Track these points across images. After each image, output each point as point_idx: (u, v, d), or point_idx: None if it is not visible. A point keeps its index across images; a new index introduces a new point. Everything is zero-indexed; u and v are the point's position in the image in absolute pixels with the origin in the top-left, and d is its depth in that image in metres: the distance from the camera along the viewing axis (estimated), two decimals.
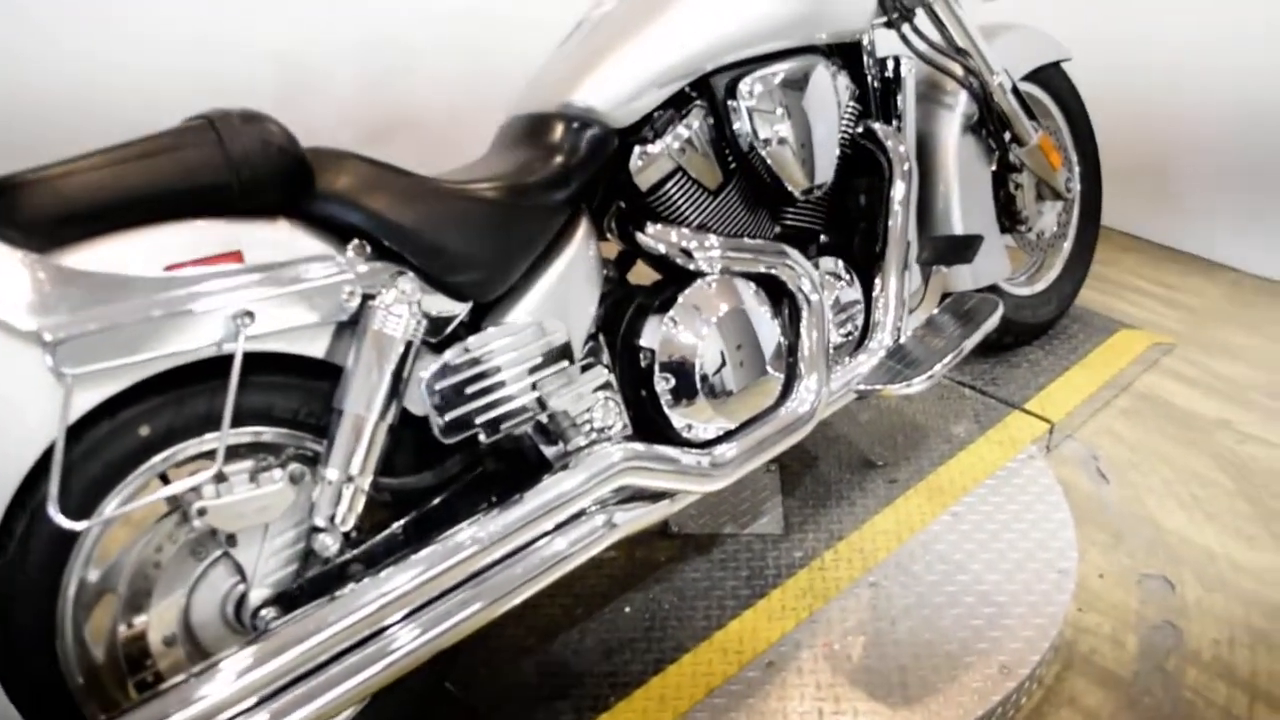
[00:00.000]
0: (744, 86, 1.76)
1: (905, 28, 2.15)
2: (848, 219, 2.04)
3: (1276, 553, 2.09)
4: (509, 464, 1.63)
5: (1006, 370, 2.57)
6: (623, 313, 1.77)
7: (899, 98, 2.07)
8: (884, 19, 2.13)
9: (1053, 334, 2.72)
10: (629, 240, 1.78)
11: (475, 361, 1.52)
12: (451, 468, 1.58)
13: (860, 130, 2.02)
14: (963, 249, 2.03)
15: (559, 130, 1.67)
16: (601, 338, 1.73)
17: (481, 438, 1.53)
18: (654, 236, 1.75)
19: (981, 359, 2.60)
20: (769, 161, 1.79)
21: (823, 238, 2.04)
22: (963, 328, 2.04)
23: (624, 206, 1.78)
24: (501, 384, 1.54)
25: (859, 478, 2.22)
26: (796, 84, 1.82)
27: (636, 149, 1.72)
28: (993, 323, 2.08)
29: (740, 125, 1.76)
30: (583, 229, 1.67)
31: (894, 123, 2.07)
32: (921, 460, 2.26)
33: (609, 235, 1.82)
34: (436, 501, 1.58)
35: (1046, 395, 2.48)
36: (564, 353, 1.61)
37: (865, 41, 2.04)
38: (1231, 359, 2.72)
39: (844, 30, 1.92)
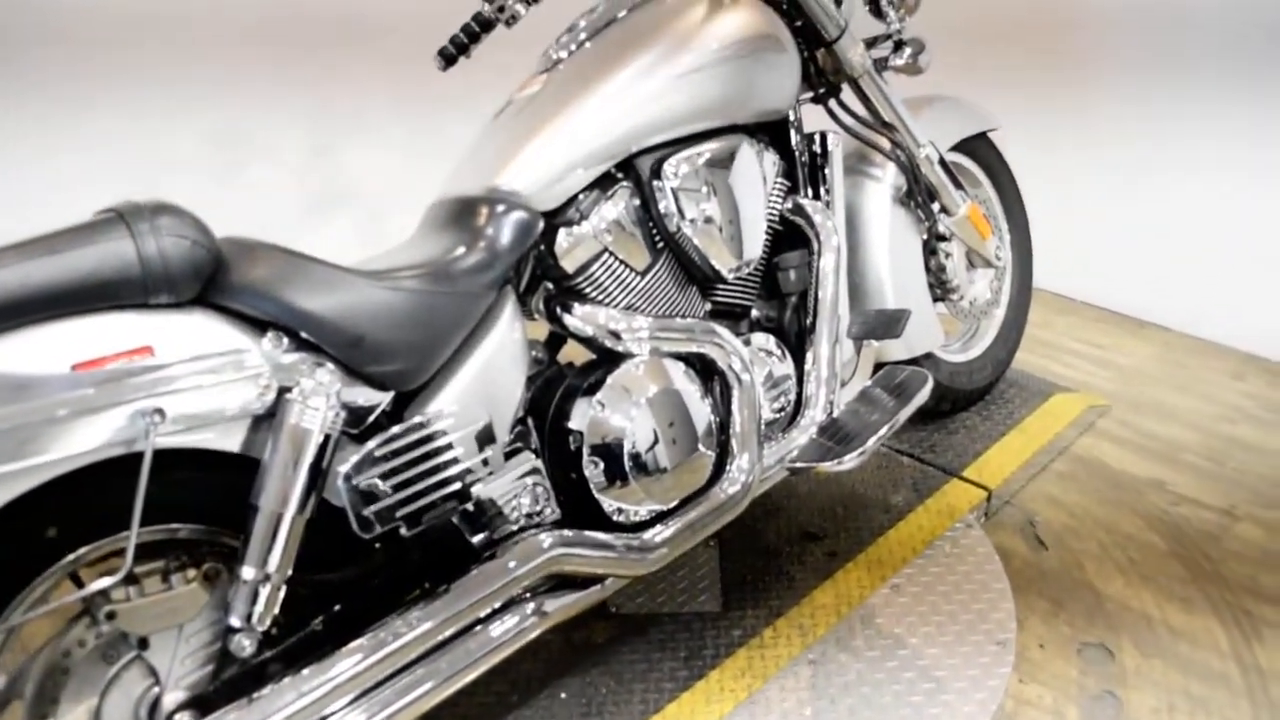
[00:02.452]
0: (669, 168, 1.77)
1: (832, 103, 2.18)
2: (779, 294, 2.05)
3: (1211, 615, 2.10)
4: (436, 554, 1.59)
5: (944, 437, 2.59)
6: (551, 396, 1.75)
7: (827, 172, 2.09)
8: (810, 95, 2.16)
9: (990, 399, 2.75)
10: (557, 322, 1.77)
11: (395, 453, 1.49)
12: (376, 560, 1.55)
13: (789, 206, 2.04)
14: (891, 323, 2.05)
15: (484, 214, 1.66)
16: (530, 421, 1.71)
17: (403, 531, 1.50)
18: (582, 318, 1.74)
19: (919, 426, 2.61)
20: (695, 241, 1.80)
21: (754, 313, 2.04)
22: (894, 401, 2.05)
23: (551, 288, 1.78)
24: (423, 476, 1.51)
25: (798, 550, 2.21)
26: (722, 163, 1.84)
27: (562, 231, 1.72)
28: (923, 396, 2.09)
29: (666, 206, 1.77)
30: (508, 312, 1.66)
31: (823, 197, 2.10)
32: (861, 531, 2.26)
33: (537, 316, 1.81)
34: (361, 594, 1.55)
35: (984, 462, 2.49)
36: (489, 440, 1.59)
37: (792, 118, 2.07)
38: (1164, 419, 2.76)
39: (768, 110, 1.95)
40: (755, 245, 1.90)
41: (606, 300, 1.76)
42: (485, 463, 1.58)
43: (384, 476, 1.47)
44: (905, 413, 2.02)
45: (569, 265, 1.73)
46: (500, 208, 1.66)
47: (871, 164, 2.32)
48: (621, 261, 1.76)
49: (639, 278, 1.79)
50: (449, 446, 1.54)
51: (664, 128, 1.77)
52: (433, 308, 1.53)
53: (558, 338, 1.88)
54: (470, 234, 1.64)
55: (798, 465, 1.92)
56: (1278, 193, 3.01)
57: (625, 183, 1.77)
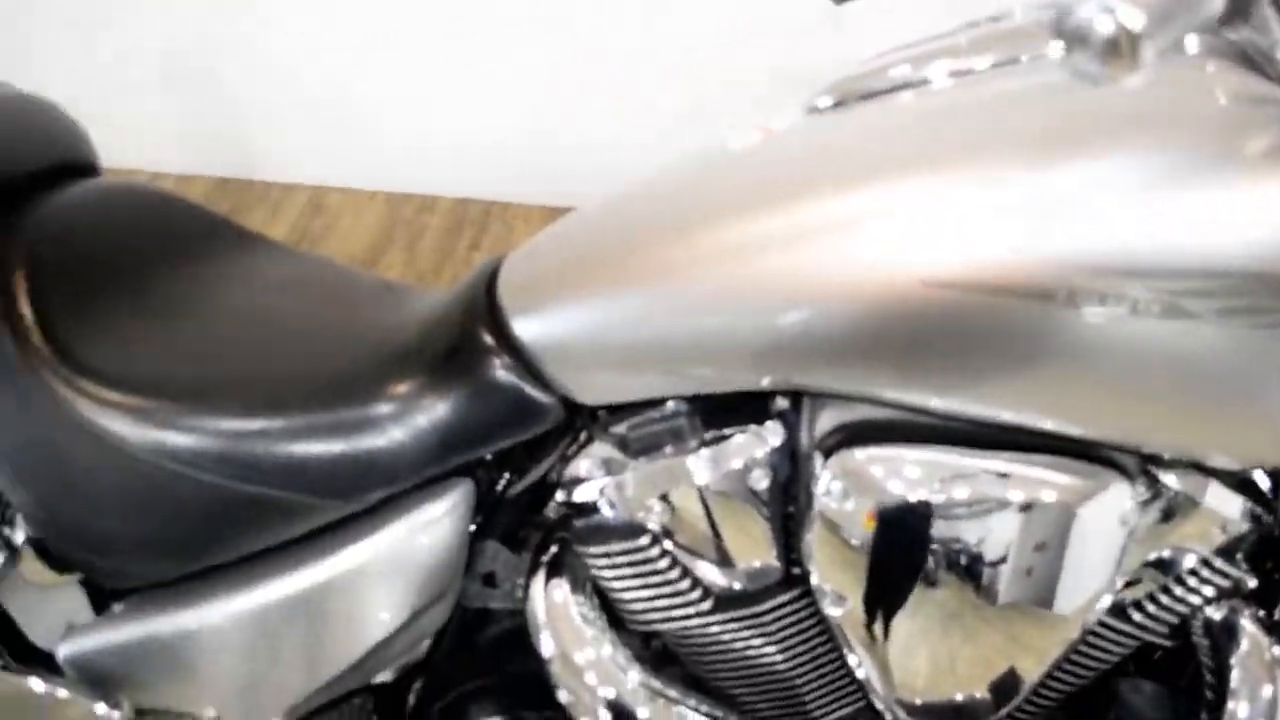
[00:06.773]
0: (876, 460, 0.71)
1: None
2: None
3: None
4: None
5: None
6: None
7: None
8: None
9: None
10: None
11: None
12: None
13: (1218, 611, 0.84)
14: None
15: (461, 347, 0.80)
16: None
17: None
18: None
19: None
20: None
21: None
22: None
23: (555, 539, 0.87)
24: None
25: None
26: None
27: (598, 442, 0.79)
28: None
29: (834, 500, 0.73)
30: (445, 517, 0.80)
31: None
32: None
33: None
34: None
35: None
36: None
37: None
38: None
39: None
40: None
41: (630, 605, 0.82)
42: None
43: None
44: None
45: (578, 518, 0.80)
46: (497, 362, 0.77)
47: None
48: (671, 557, 0.80)
49: (700, 603, 0.81)
50: None
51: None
52: None
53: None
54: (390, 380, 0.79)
55: None
56: None
57: (773, 424, 0.76)
